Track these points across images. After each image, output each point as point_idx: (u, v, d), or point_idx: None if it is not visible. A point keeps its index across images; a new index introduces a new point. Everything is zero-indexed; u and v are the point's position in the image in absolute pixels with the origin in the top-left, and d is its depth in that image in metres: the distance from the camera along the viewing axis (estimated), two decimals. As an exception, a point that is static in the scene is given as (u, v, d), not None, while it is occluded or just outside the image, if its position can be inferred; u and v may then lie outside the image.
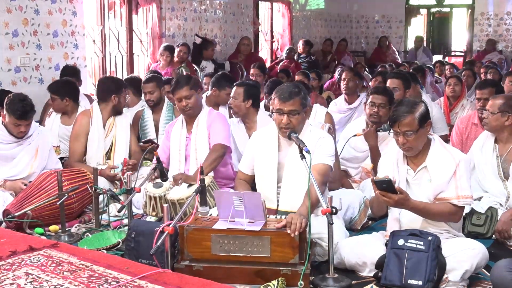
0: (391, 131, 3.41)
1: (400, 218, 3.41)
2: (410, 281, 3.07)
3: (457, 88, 6.56)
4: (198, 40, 9.15)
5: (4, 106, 4.50)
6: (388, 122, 4.68)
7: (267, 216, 3.33)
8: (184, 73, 7.77)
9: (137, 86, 6.00)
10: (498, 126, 4.11)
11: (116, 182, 4.74)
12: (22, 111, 4.43)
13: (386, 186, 3.13)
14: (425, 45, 13.69)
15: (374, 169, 4.43)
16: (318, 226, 3.38)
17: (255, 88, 5.08)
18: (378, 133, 4.70)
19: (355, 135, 4.77)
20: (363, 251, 3.34)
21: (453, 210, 3.28)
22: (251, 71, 7.57)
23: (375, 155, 4.56)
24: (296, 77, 6.94)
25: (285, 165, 3.67)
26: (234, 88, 4.99)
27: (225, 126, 4.55)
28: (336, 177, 4.42)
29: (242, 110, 4.93)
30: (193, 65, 8.55)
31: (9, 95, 4.55)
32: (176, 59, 8.08)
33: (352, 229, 4.06)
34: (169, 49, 8.00)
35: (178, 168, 4.47)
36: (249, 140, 4.04)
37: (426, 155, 3.38)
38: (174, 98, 4.60)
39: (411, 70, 8.19)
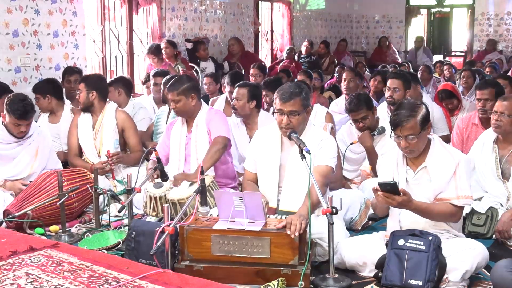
0: (392, 134, 3.39)
1: (400, 218, 3.41)
2: (411, 281, 3.07)
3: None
4: (189, 45, 9.12)
5: (5, 106, 4.50)
6: (380, 128, 4.73)
7: (268, 216, 3.33)
8: (180, 70, 7.73)
9: (128, 86, 5.99)
10: None
11: (107, 174, 4.81)
12: (22, 111, 4.43)
13: (390, 188, 3.13)
14: (425, 45, 13.67)
15: (373, 170, 4.44)
16: (318, 226, 3.38)
17: (258, 88, 5.08)
18: (373, 136, 4.72)
19: (351, 143, 4.79)
20: (364, 251, 3.34)
21: (453, 211, 3.28)
22: (251, 71, 7.52)
23: (373, 156, 4.57)
24: (298, 77, 6.92)
25: (287, 166, 3.66)
26: (237, 89, 4.95)
27: (224, 121, 4.50)
28: (337, 177, 4.41)
29: (245, 111, 4.92)
30: (192, 64, 8.54)
31: (9, 95, 4.56)
32: (164, 57, 8.01)
33: (353, 229, 4.06)
34: (153, 52, 7.82)
35: (178, 167, 4.45)
36: (253, 138, 4.01)
37: (426, 155, 3.37)
38: None
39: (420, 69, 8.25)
